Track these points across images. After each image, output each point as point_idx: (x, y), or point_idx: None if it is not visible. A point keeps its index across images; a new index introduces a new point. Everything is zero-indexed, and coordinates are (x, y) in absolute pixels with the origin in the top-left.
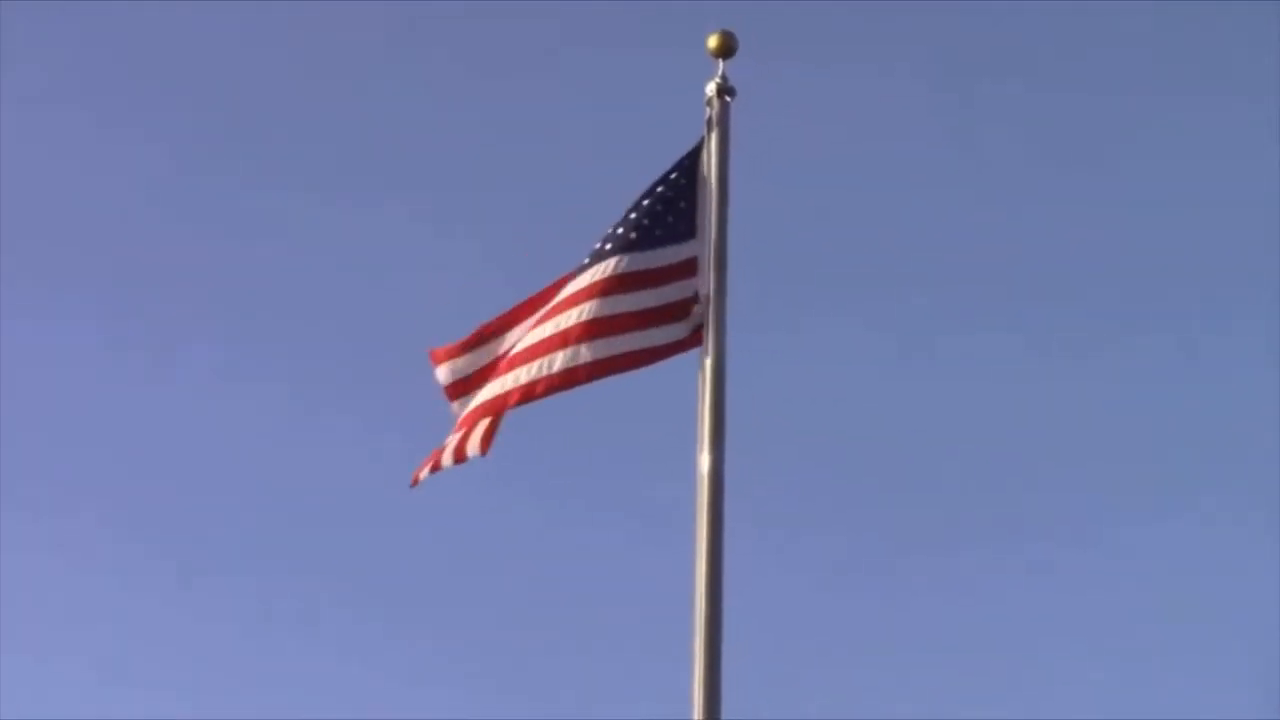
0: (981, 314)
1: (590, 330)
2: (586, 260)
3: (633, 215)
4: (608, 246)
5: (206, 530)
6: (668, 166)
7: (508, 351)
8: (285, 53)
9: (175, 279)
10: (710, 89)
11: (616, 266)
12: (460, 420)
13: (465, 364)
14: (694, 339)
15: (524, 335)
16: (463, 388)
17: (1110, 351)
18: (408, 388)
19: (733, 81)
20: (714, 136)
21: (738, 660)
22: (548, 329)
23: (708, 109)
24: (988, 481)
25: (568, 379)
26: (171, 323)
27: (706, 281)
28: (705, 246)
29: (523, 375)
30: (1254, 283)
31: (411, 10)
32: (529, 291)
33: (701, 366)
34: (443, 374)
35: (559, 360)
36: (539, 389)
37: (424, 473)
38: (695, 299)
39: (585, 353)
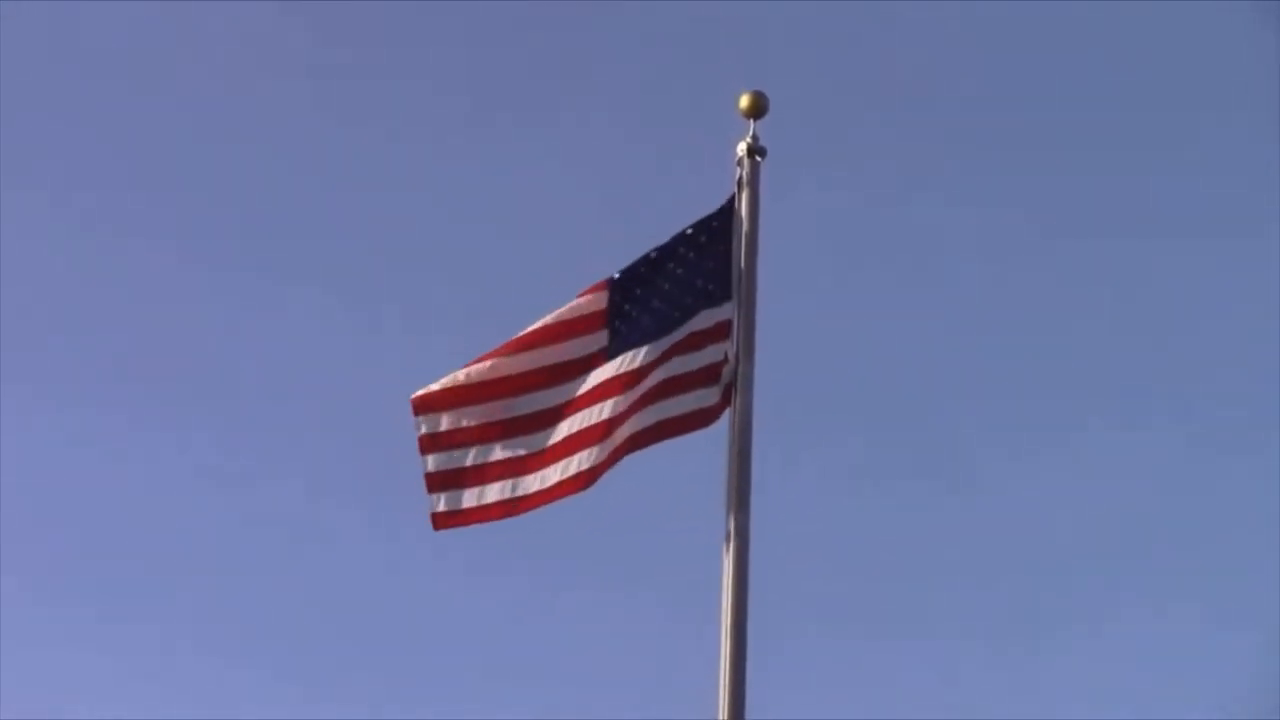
0: (1019, 381)
1: (627, 414)
2: (612, 340)
3: (660, 286)
4: (636, 335)
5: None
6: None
7: (525, 425)
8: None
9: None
10: (741, 149)
11: (652, 350)
12: (499, 506)
13: (449, 419)
14: (724, 402)
15: (552, 410)
16: (442, 441)
17: None
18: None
19: (763, 142)
20: (744, 197)
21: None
22: (589, 417)
23: (738, 169)
24: (1022, 568)
25: (610, 461)
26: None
27: (735, 343)
28: (736, 306)
29: (571, 465)
30: None
31: (433, 68)
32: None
33: (731, 426)
34: (424, 424)
35: (597, 453)
36: (584, 481)
37: (443, 513)
38: (725, 360)
39: (624, 431)
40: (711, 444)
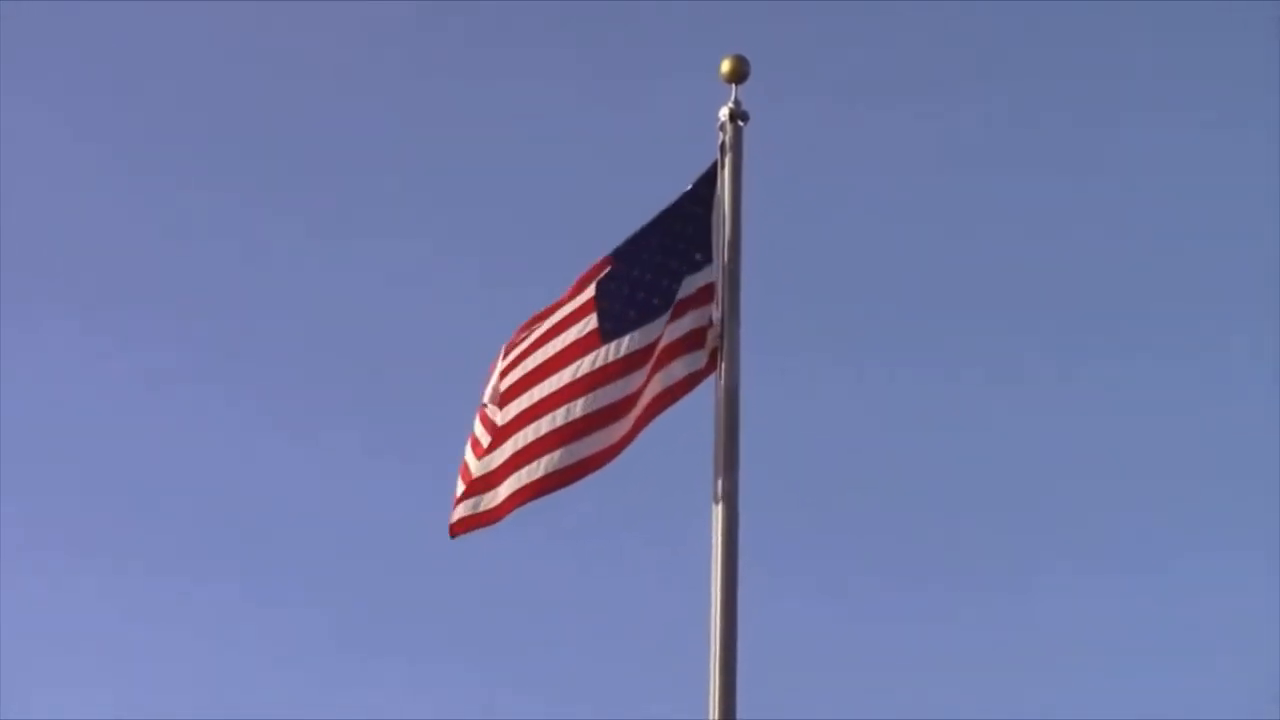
0: (996, 339)
1: (638, 393)
2: (604, 322)
3: (651, 260)
4: (632, 313)
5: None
6: (679, 192)
7: (540, 412)
8: (281, 65)
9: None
10: (723, 114)
11: (649, 333)
12: (494, 473)
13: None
14: (710, 366)
15: (555, 413)
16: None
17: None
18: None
19: (746, 106)
20: (727, 161)
21: (752, 684)
22: (594, 401)
23: (720, 134)
24: (1001, 504)
25: (625, 441)
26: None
27: (721, 306)
28: (719, 272)
29: (577, 450)
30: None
31: (414, 35)
32: (524, 309)
33: (716, 390)
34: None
35: (601, 439)
36: (593, 465)
37: (458, 520)
38: (710, 324)
39: (636, 409)
40: (700, 410)
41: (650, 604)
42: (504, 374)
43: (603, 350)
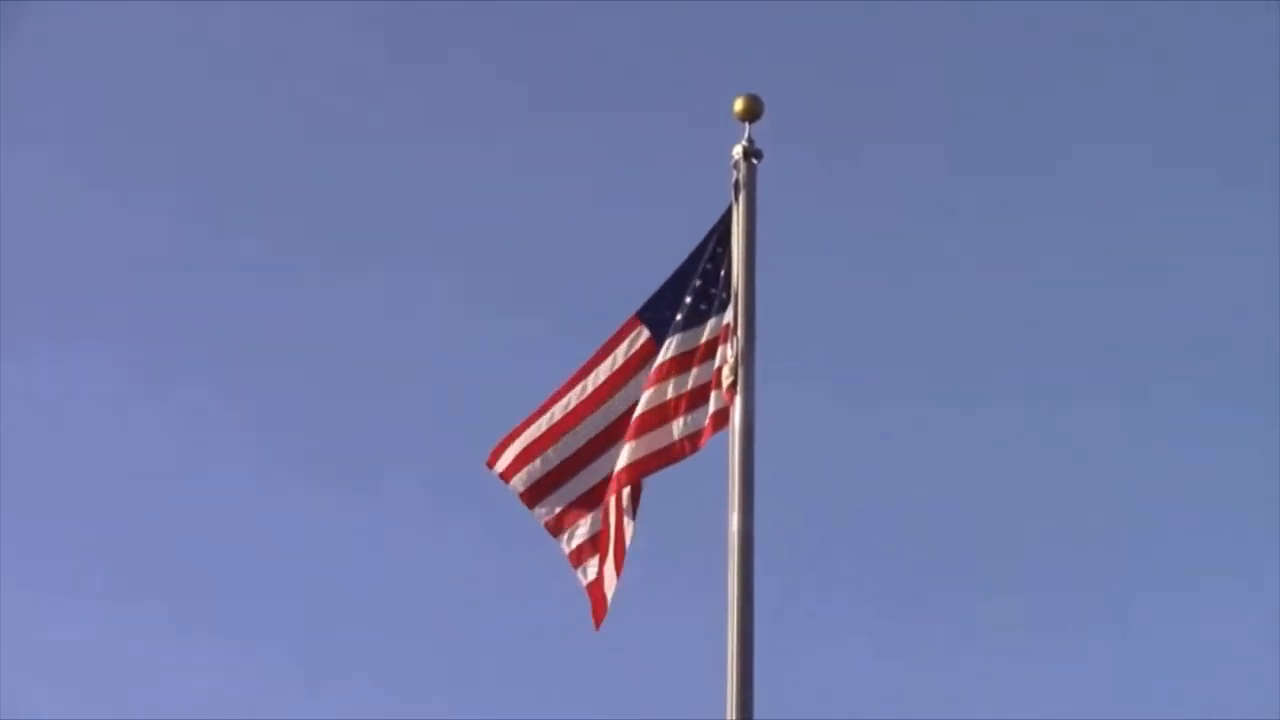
0: (1012, 370)
1: (648, 422)
2: (639, 333)
3: (678, 293)
4: (661, 331)
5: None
6: (696, 231)
7: (589, 459)
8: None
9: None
10: (737, 152)
11: (665, 351)
12: (587, 544)
13: (537, 468)
14: (729, 401)
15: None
16: (540, 491)
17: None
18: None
19: (759, 145)
20: (741, 200)
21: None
22: (658, 395)
23: (734, 172)
24: (1018, 534)
25: (635, 473)
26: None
27: (735, 343)
28: (735, 307)
29: (605, 462)
30: None
31: (431, 74)
32: (556, 362)
33: (731, 426)
34: (518, 483)
35: (629, 451)
36: (615, 487)
37: (602, 606)
38: (726, 361)
39: (646, 443)
40: (715, 443)
41: (665, 640)
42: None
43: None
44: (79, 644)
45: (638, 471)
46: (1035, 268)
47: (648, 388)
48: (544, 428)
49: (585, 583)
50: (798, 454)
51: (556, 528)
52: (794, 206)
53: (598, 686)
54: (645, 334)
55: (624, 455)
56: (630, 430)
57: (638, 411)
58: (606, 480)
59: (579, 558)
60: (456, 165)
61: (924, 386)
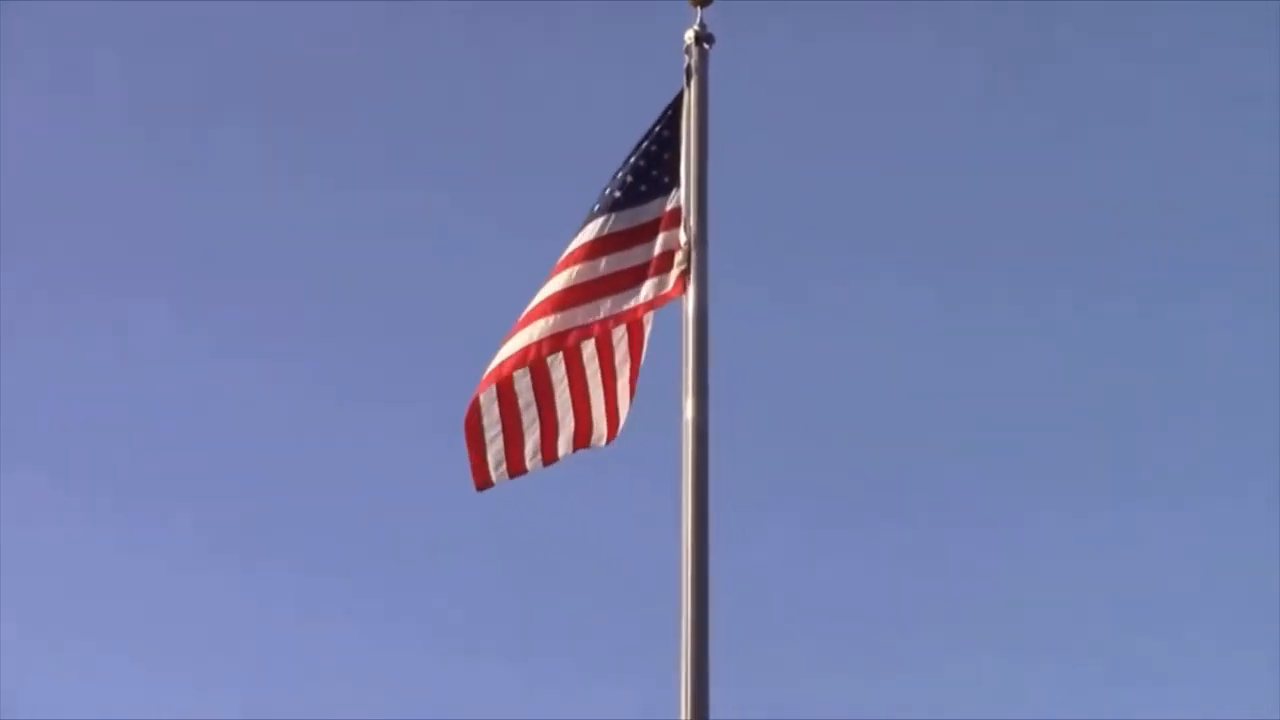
0: (963, 275)
1: (581, 295)
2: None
3: (618, 173)
4: (595, 207)
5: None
6: (649, 116)
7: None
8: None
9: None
10: (689, 37)
11: (602, 228)
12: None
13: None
14: (677, 288)
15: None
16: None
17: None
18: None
19: (711, 29)
20: (693, 85)
21: (725, 611)
22: (541, 294)
23: (686, 57)
24: (971, 450)
25: (558, 343)
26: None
27: (688, 230)
28: (687, 195)
29: (521, 339)
30: None
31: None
32: (511, 248)
33: (684, 314)
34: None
35: (551, 324)
36: (532, 353)
37: (490, 474)
38: (678, 247)
39: (579, 317)
40: (668, 332)
41: (620, 538)
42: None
43: (590, 226)
44: None
45: (565, 340)
46: (998, 151)
47: (575, 263)
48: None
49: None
50: (748, 344)
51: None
52: (745, 93)
53: (552, 580)
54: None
55: (549, 325)
56: (552, 304)
57: (565, 286)
58: (525, 351)
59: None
60: (401, 57)
61: (876, 270)
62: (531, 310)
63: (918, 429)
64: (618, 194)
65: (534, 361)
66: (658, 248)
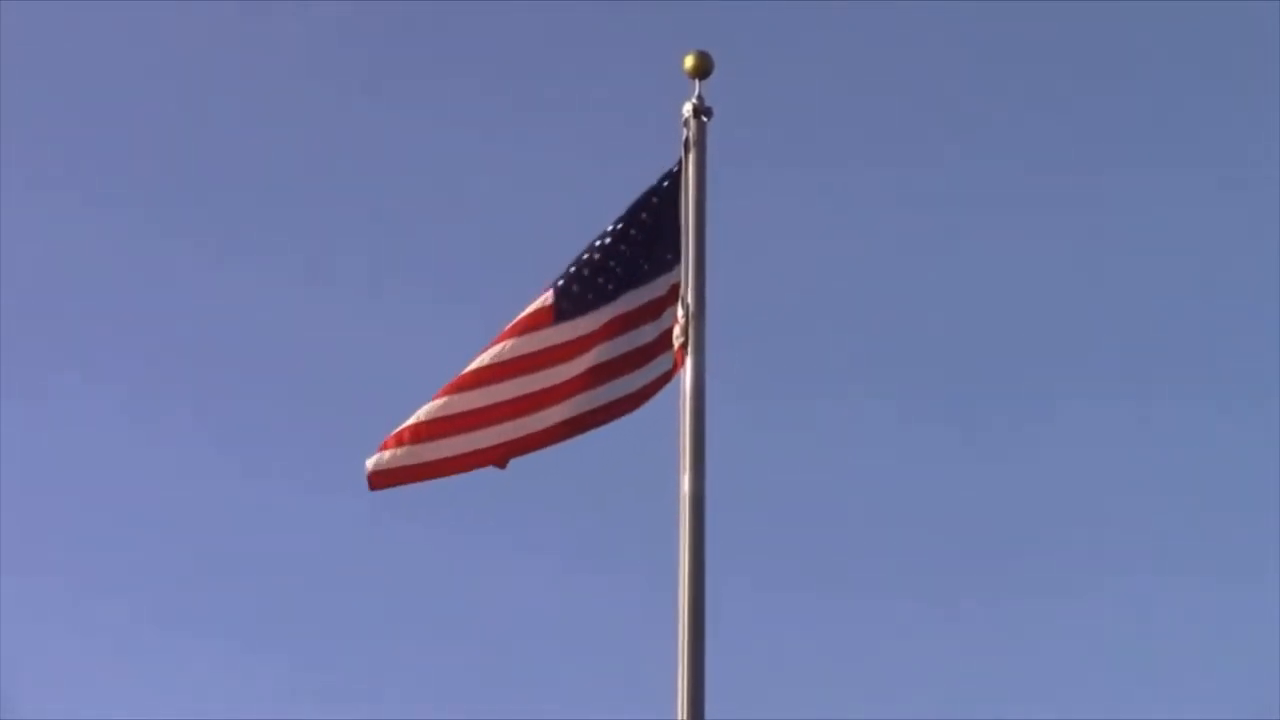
0: (955, 360)
1: (585, 382)
2: (561, 300)
3: (615, 249)
4: (590, 296)
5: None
6: (641, 190)
7: (476, 406)
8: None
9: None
10: (687, 110)
11: (604, 315)
12: (428, 425)
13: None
14: (677, 365)
15: (495, 387)
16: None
17: None
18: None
19: (709, 102)
20: (691, 157)
21: (721, 672)
22: (533, 382)
23: (684, 130)
24: (966, 534)
25: (558, 434)
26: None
27: (685, 301)
28: (685, 267)
29: (508, 431)
30: None
31: (384, 30)
32: (502, 309)
33: (681, 386)
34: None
35: (551, 415)
36: (531, 444)
37: (380, 471)
38: (676, 321)
39: (583, 402)
40: (665, 405)
41: (617, 607)
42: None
43: (555, 329)
44: None
45: (592, 421)
46: (998, 244)
47: (589, 350)
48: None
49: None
50: (743, 418)
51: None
52: (742, 165)
53: (546, 662)
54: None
55: (579, 404)
56: (561, 391)
57: (576, 372)
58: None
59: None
60: (398, 114)
61: (875, 344)
62: (522, 400)
63: (917, 509)
64: (618, 271)
65: (528, 450)
66: (661, 327)
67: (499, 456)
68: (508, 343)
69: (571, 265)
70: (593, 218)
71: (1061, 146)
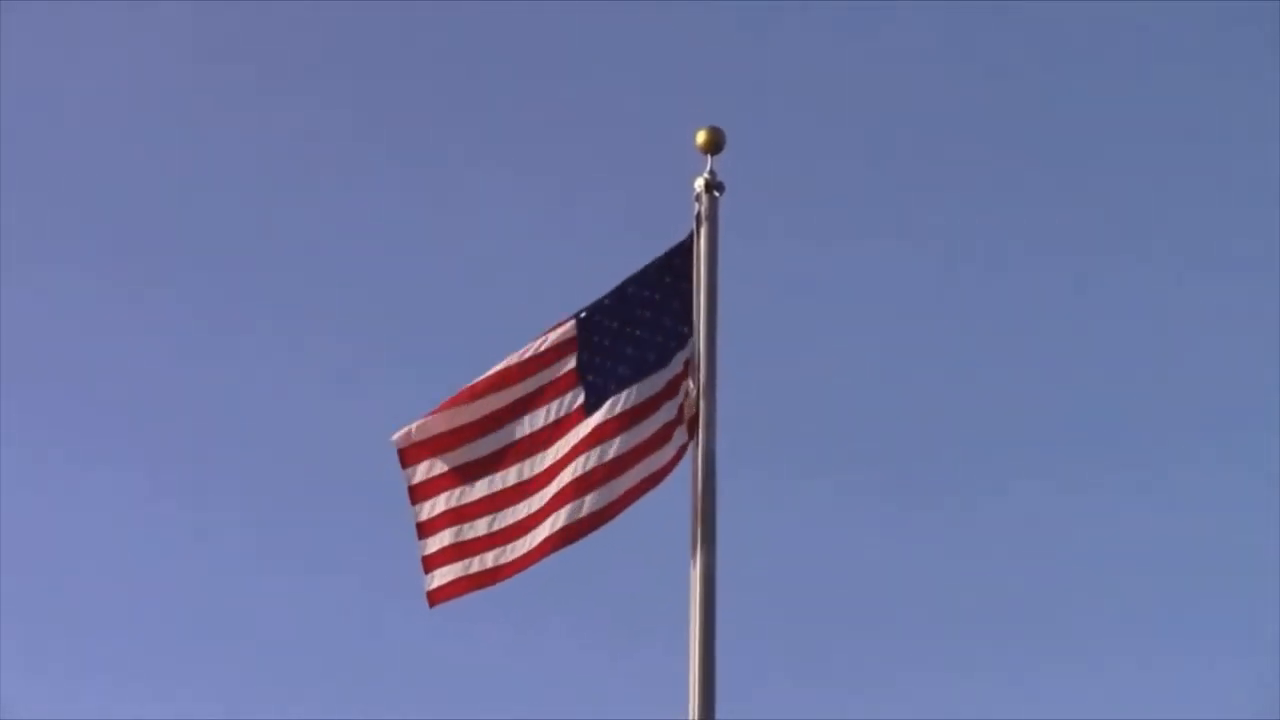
0: (971, 439)
1: (614, 470)
2: (589, 396)
3: (631, 334)
4: (611, 385)
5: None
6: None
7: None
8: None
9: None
10: (699, 185)
11: (619, 404)
12: (488, 574)
13: (441, 463)
14: (689, 436)
15: (536, 496)
16: (430, 490)
17: None
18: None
19: (721, 177)
20: (703, 232)
21: None
22: (568, 475)
23: (696, 205)
24: (984, 592)
25: (594, 522)
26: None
27: (697, 377)
28: (697, 342)
29: (545, 529)
30: None
31: (392, 100)
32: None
33: (693, 462)
34: (417, 473)
35: (585, 505)
36: (571, 535)
37: (437, 588)
38: (688, 396)
39: (600, 499)
40: (676, 482)
41: (625, 690)
42: (470, 433)
43: (589, 421)
44: None
45: (610, 514)
46: (1011, 285)
47: (601, 442)
48: (458, 422)
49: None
50: (752, 496)
51: (429, 529)
52: (753, 240)
53: None
54: (570, 333)
55: (592, 501)
56: (594, 479)
57: (605, 459)
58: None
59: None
60: (409, 197)
61: (893, 420)
62: (545, 507)
63: (925, 596)
64: (630, 354)
65: (555, 549)
66: (676, 406)
67: (543, 554)
68: (548, 450)
69: (589, 349)
70: (605, 293)
71: (1076, 223)
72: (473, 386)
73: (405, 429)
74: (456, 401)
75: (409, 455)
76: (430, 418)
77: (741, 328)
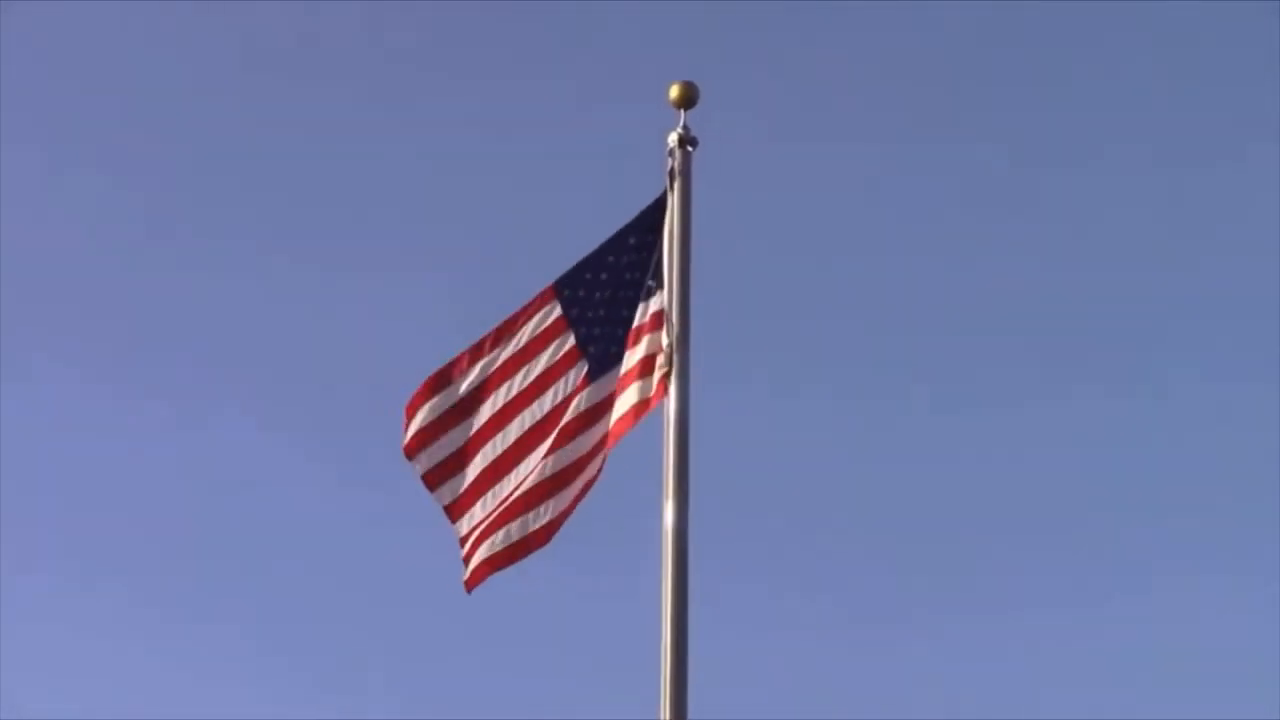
0: (945, 364)
1: (573, 429)
2: (551, 309)
3: (629, 298)
4: (590, 348)
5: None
6: (626, 219)
7: (500, 466)
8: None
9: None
10: (672, 140)
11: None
12: (478, 540)
13: (442, 447)
14: (660, 392)
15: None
16: (444, 473)
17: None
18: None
19: (694, 132)
20: (676, 187)
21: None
22: (583, 444)
23: (669, 160)
24: (961, 534)
25: (586, 490)
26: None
27: (670, 332)
28: (669, 297)
29: (556, 504)
30: None
31: (378, 56)
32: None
33: (665, 416)
34: (421, 461)
35: (586, 475)
36: (574, 505)
37: (474, 572)
38: (660, 350)
39: (567, 455)
40: (649, 435)
41: (600, 638)
42: (476, 398)
43: (587, 392)
44: None
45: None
46: (977, 255)
47: (595, 422)
48: (448, 404)
49: (477, 558)
50: (731, 448)
51: (457, 512)
52: (728, 194)
53: (529, 682)
54: (557, 311)
55: (590, 471)
56: (595, 454)
57: (605, 431)
58: (523, 487)
59: (475, 543)
60: (382, 146)
61: (861, 378)
62: (544, 484)
63: (907, 531)
64: (613, 349)
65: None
66: (641, 351)
67: (558, 526)
68: (554, 419)
69: (579, 319)
70: (579, 249)
71: (1054, 138)
72: (455, 362)
73: (414, 434)
74: (438, 382)
75: (411, 448)
76: (417, 401)
77: (715, 282)
